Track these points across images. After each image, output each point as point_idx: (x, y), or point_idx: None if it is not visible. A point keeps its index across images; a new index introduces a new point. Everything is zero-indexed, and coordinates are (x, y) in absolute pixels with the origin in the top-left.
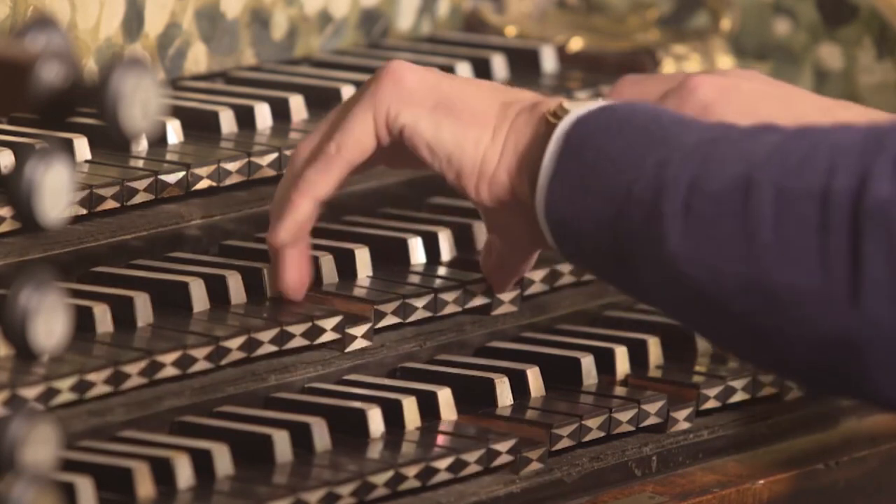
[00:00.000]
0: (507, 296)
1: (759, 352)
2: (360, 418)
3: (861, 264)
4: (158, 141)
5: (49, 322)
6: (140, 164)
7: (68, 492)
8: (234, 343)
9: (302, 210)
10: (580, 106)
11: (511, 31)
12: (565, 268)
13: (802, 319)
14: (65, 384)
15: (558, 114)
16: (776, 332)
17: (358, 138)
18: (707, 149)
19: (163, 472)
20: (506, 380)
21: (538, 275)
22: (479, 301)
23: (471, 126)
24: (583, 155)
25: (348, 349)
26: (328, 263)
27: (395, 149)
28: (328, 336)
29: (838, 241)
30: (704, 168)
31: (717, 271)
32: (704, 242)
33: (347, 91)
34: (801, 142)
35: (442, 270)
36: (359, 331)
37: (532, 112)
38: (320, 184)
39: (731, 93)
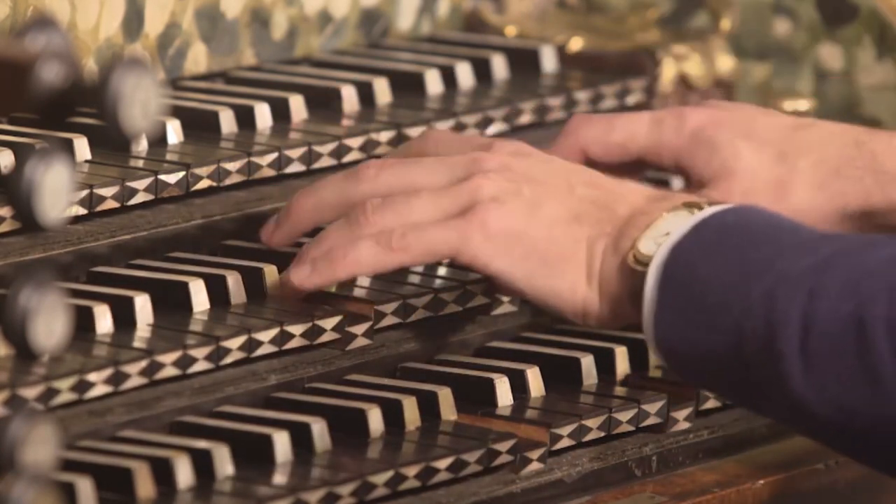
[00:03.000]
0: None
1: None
2: (361, 418)
3: None
4: (158, 141)
5: (49, 322)
6: (140, 164)
7: (68, 492)
8: (234, 343)
9: (339, 277)
10: (652, 238)
11: (511, 31)
12: None
13: None
14: (65, 384)
15: (638, 258)
16: None
17: (430, 254)
18: (810, 282)
19: (163, 473)
20: (506, 380)
21: None
22: (479, 301)
23: (564, 274)
24: (684, 285)
25: (348, 349)
26: None
27: None
28: (328, 336)
29: None
30: (813, 305)
31: (848, 411)
32: (829, 384)
33: (347, 91)
34: None
35: (442, 270)
36: (359, 330)
37: (617, 250)
38: (369, 268)
39: (721, 118)
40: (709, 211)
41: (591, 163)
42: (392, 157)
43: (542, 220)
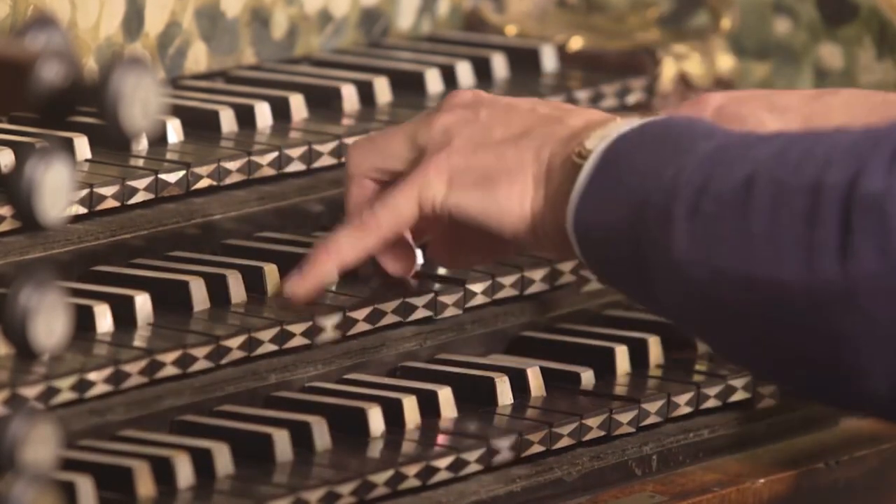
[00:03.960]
0: (507, 294)
1: (760, 357)
2: (361, 417)
3: (852, 258)
4: (159, 140)
5: (49, 321)
6: (140, 163)
7: (68, 491)
8: (235, 342)
9: (326, 271)
10: (601, 136)
11: (511, 30)
12: (566, 266)
13: (794, 315)
14: (65, 383)
15: (583, 154)
16: (773, 331)
17: (400, 218)
18: (718, 154)
19: (163, 472)
20: (506, 379)
21: (538, 274)
22: (479, 300)
23: (510, 188)
24: (615, 170)
25: (349, 348)
26: None
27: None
28: (329, 335)
29: (825, 234)
30: (713, 172)
31: (718, 271)
32: (707, 242)
33: (347, 90)
34: (803, 141)
35: (442, 270)
36: (359, 328)
37: (563, 151)
38: (351, 252)
39: (740, 96)
40: (662, 115)
41: None
42: None
43: (491, 144)
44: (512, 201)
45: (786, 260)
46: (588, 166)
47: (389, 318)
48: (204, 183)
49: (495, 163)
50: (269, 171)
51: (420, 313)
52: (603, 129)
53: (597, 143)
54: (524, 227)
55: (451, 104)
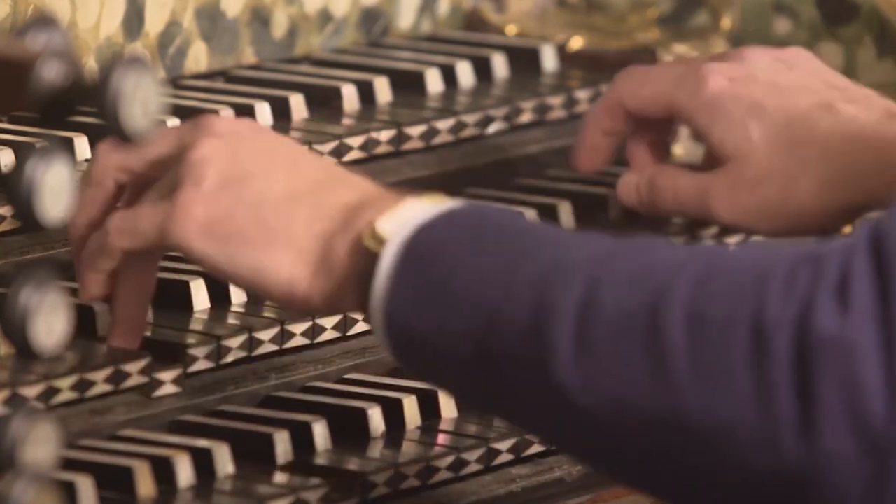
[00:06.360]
0: None
1: (682, 491)
2: (361, 417)
3: (813, 398)
4: None
5: (49, 321)
6: None
7: (68, 491)
8: (235, 342)
9: (83, 280)
10: (395, 219)
11: (511, 29)
12: None
13: (734, 455)
14: (65, 383)
15: (376, 237)
16: (701, 471)
17: (140, 237)
18: (592, 270)
19: (163, 471)
20: None
21: None
22: None
23: (267, 253)
24: (432, 265)
25: (349, 348)
26: None
27: None
28: (329, 335)
29: (779, 375)
30: (596, 290)
31: (621, 404)
32: (604, 373)
33: (348, 90)
34: (708, 265)
35: None
36: (359, 328)
37: (346, 231)
38: (95, 260)
39: (738, 90)
40: (460, 202)
41: (629, 117)
42: None
43: (251, 199)
44: (266, 266)
45: (727, 399)
46: (388, 258)
47: None
48: None
49: (254, 223)
50: None
51: None
52: (393, 210)
53: (393, 229)
54: (276, 292)
55: (209, 131)
